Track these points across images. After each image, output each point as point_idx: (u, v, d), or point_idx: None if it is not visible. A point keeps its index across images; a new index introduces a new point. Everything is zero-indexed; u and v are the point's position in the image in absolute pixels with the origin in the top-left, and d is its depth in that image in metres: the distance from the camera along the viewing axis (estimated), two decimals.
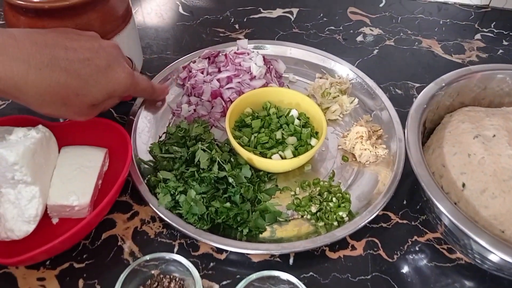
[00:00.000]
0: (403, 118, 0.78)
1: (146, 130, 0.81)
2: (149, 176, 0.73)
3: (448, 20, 1.12)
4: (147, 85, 0.73)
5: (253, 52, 0.89)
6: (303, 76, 0.91)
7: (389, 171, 0.75)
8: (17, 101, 0.57)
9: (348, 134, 0.80)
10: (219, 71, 0.87)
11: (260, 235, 0.68)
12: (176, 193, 0.69)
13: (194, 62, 0.89)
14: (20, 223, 0.62)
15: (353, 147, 0.78)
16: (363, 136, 0.77)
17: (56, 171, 0.68)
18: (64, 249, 0.63)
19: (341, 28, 1.09)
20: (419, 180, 0.61)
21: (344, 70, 0.91)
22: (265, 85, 0.85)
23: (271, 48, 0.95)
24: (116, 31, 0.76)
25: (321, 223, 0.69)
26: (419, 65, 0.99)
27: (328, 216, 0.69)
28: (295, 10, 1.14)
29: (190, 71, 0.88)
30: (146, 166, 0.75)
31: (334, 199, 0.71)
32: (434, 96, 0.72)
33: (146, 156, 0.77)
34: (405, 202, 0.74)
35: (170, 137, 0.79)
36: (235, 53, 0.89)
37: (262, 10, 1.14)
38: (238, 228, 0.68)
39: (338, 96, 0.84)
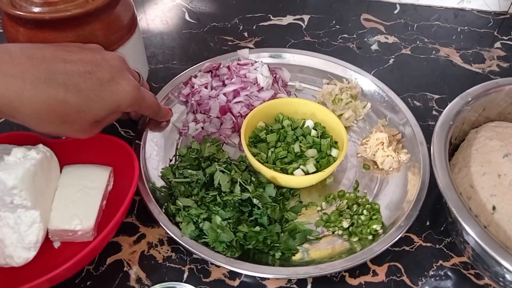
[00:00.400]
0: (424, 132, 0.77)
1: (154, 154, 0.75)
2: (165, 204, 0.68)
3: (466, 28, 1.07)
4: (153, 102, 0.68)
5: (257, 62, 0.85)
6: (310, 83, 0.88)
7: (414, 177, 0.72)
8: (13, 120, 0.52)
9: (367, 141, 0.77)
10: (224, 85, 0.82)
11: (293, 257, 0.64)
12: (200, 221, 0.65)
13: (196, 76, 0.84)
14: (20, 250, 0.59)
15: (374, 154, 0.75)
16: (384, 142, 0.74)
17: (58, 193, 0.65)
18: (67, 277, 0.59)
19: (354, 36, 1.04)
20: (447, 202, 0.57)
21: (365, 81, 0.86)
22: (274, 96, 0.81)
23: (289, 57, 0.92)
24: (121, 41, 0.71)
25: (355, 238, 0.66)
26: (437, 75, 0.95)
27: (361, 230, 0.66)
28: (306, 17, 1.09)
29: (193, 87, 0.83)
30: (160, 193, 0.70)
31: (364, 211, 0.68)
32: (460, 112, 0.68)
33: (158, 182, 0.72)
34: (428, 223, 0.70)
35: (181, 159, 0.74)
36: (238, 64, 0.85)
37: (271, 17, 1.09)
38: (270, 252, 0.64)
39: (351, 101, 0.81)
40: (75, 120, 0.55)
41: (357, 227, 0.67)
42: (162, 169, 0.73)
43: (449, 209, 0.58)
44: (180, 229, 0.64)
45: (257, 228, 0.64)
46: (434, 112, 0.86)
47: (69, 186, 0.65)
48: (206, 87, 0.82)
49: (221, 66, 0.85)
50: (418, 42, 1.02)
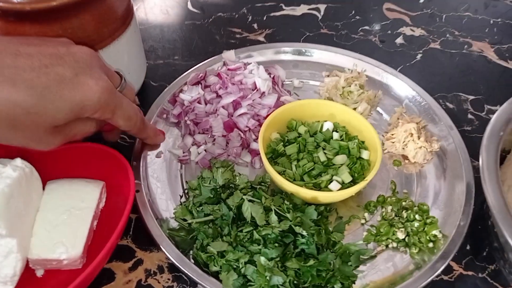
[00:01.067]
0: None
1: (159, 192, 0.63)
2: (192, 252, 0.57)
3: (499, 19, 0.95)
4: (133, 113, 0.55)
5: (250, 63, 0.74)
6: (308, 78, 0.79)
7: (453, 165, 0.65)
8: None
9: (392, 134, 0.69)
10: (218, 96, 0.71)
11: (354, 285, 0.56)
12: (241, 266, 0.54)
13: (182, 91, 0.72)
14: None
15: (403, 148, 0.68)
16: (413, 133, 0.67)
17: (40, 216, 0.57)
18: None
19: (376, 28, 0.93)
20: (499, 226, 0.51)
21: (393, 81, 0.76)
22: (278, 100, 0.71)
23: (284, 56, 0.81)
24: (115, 35, 0.62)
25: (415, 249, 0.58)
26: (471, 72, 0.84)
27: (420, 239, 0.59)
28: (322, 7, 0.97)
29: (183, 103, 0.71)
30: (180, 238, 0.59)
31: (417, 216, 0.60)
32: (511, 120, 0.59)
33: (172, 225, 0.60)
34: (468, 248, 0.62)
35: (194, 194, 0.62)
36: (228, 69, 0.73)
37: (284, 7, 0.96)
38: (327, 285, 0.55)
39: (363, 92, 0.73)
40: (26, 124, 0.45)
41: (414, 235, 0.59)
42: (174, 209, 0.61)
43: (499, 234, 0.51)
44: (210, 272, 0.54)
45: (311, 261, 0.55)
46: (469, 116, 0.77)
47: (53, 207, 0.57)
48: (199, 102, 0.70)
49: (208, 74, 0.74)
50: (447, 35, 0.91)
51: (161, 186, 0.64)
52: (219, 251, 0.55)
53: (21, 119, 0.44)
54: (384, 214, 0.62)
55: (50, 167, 0.60)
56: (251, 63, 0.74)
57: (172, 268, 0.57)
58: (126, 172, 0.58)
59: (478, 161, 0.56)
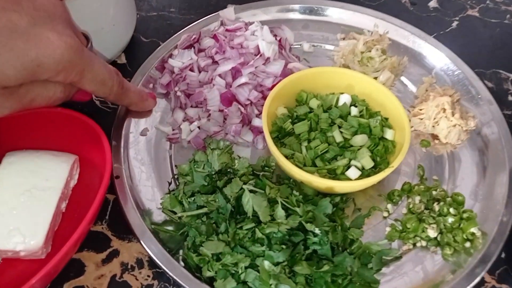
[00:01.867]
0: None
1: (144, 177, 0.53)
2: (182, 253, 0.47)
3: None
4: (107, 77, 0.46)
5: (253, 23, 0.62)
6: (320, 41, 0.67)
7: (494, 148, 0.55)
8: None
9: (420, 110, 0.58)
10: (215, 62, 0.60)
11: None
12: (240, 271, 0.45)
13: (172, 56, 0.61)
14: None
15: (434, 126, 0.57)
16: (446, 108, 0.56)
17: None
18: None
19: None
20: None
21: (432, 52, 0.64)
22: (286, 68, 0.60)
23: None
24: None
25: (449, 250, 0.49)
26: None
27: (455, 237, 0.49)
28: None
29: (172, 71, 0.60)
30: (168, 234, 0.49)
31: (452, 210, 0.50)
32: None
33: (158, 217, 0.50)
34: (503, 255, 0.51)
35: (186, 180, 0.52)
36: (227, 30, 0.62)
37: None
38: None
39: (385, 59, 0.62)
40: None
41: (447, 233, 0.49)
42: (161, 199, 0.51)
43: None
44: (203, 278, 0.45)
45: (325, 267, 0.45)
46: (510, 98, 0.65)
47: (10, 186, 0.48)
48: (192, 70, 0.59)
49: (202, 36, 0.62)
50: (487, 2, 0.79)
51: (146, 170, 0.53)
52: (214, 253, 0.46)
53: None
54: (411, 206, 0.52)
55: (9, 136, 0.52)
56: (253, 22, 0.63)
57: (153, 263, 0.48)
58: (101, 143, 0.49)
59: None
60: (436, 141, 0.58)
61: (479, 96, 0.59)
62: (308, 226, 0.47)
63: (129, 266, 0.49)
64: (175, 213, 0.50)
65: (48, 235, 0.46)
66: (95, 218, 0.49)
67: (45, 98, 0.43)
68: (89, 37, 0.47)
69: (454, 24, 0.75)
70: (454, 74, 0.62)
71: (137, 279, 0.49)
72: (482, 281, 0.50)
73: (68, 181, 0.50)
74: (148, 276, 0.49)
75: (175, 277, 0.45)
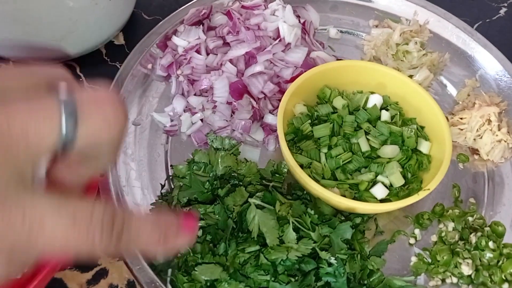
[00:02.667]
0: None
1: (134, 176, 0.45)
2: (170, 274, 0.40)
3: None
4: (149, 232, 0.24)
5: (274, 1, 0.54)
6: (350, 27, 0.58)
7: None
8: None
9: (461, 118, 0.50)
10: (225, 44, 0.51)
11: None
12: None
13: (176, 33, 0.52)
14: None
15: (475, 139, 0.49)
16: (492, 120, 0.48)
17: None
18: None
19: None
20: None
21: (479, 52, 0.55)
22: (309, 58, 0.51)
23: None
24: None
25: None
26: None
27: (492, 277, 0.41)
28: None
29: (176, 51, 0.51)
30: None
31: (491, 243, 0.43)
32: None
33: None
34: None
35: (182, 183, 0.44)
36: (243, 7, 0.53)
37: None
38: None
39: (425, 54, 0.53)
40: None
41: (484, 271, 0.42)
42: (152, 204, 0.43)
43: None
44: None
45: None
46: None
47: None
48: (198, 51, 0.50)
49: (214, 11, 0.54)
50: None
51: (137, 167, 0.46)
52: (209, 279, 0.38)
53: None
54: (443, 234, 0.44)
55: None
56: (274, 0, 0.54)
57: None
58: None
59: None
60: (476, 157, 0.50)
61: None
62: (323, 255, 0.39)
63: None
64: None
65: None
66: None
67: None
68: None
69: (502, 11, 0.65)
70: (503, 80, 0.53)
71: None
72: None
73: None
74: None
75: None
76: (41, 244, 0.21)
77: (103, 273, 0.43)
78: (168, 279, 0.40)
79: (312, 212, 0.41)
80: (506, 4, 0.65)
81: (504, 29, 0.62)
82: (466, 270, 0.42)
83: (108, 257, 0.44)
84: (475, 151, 0.50)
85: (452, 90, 0.54)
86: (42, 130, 0.20)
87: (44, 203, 0.21)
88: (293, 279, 0.38)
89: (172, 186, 0.46)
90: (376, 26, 0.57)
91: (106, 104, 0.22)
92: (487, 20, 0.63)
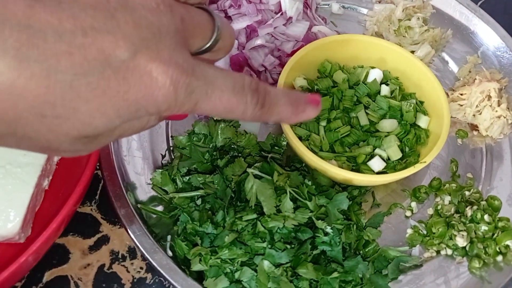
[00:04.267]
0: None
1: (135, 147, 0.46)
2: (170, 240, 0.41)
3: None
4: (236, 101, 0.28)
5: None
6: (352, 2, 0.58)
7: None
8: None
9: (461, 94, 0.50)
10: (227, 17, 0.51)
11: None
12: (235, 268, 0.39)
13: None
14: None
15: (475, 115, 0.49)
16: (492, 96, 0.48)
17: None
18: None
19: None
20: None
21: (481, 28, 0.55)
22: (310, 32, 0.52)
23: None
24: None
25: (477, 263, 0.42)
26: None
27: (487, 249, 0.42)
28: None
29: None
30: (156, 215, 0.43)
31: (486, 217, 0.43)
32: None
33: (147, 194, 0.44)
34: None
35: (181, 154, 0.45)
36: None
37: None
38: None
39: (427, 30, 0.53)
40: (38, 130, 0.24)
41: (478, 244, 0.42)
42: (152, 174, 0.44)
43: None
44: (188, 271, 0.39)
45: (334, 273, 0.39)
46: None
47: None
48: None
49: None
50: None
51: (138, 138, 0.47)
52: (212, 249, 0.39)
53: (31, 122, 0.24)
54: (439, 207, 0.45)
55: None
56: None
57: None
58: None
59: None
60: (475, 133, 0.50)
61: None
62: (319, 224, 0.40)
63: (119, 256, 0.44)
64: (166, 192, 0.43)
65: (26, 218, 0.40)
66: (82, 197, 0.41)
67: (136, 129, 0.29)
68: (213, 13, 0.29)
69: None
70: (504, 56, 0.53)
71: (128, 271, 0.43)
72: None
73: (49, 157, 0.43)
74: (141, 268, 0.43)
75: (159, 268, 0.39)
76: (204, 110, 0.26)
77: (104, 239, 0.44)
78: (168, 244, 0.41)
79: (310, 183, 0.42)
80: None
81: (508, 6, 0.62)
82: (461, 242, 0.42)
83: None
84: (474, 127, 0.50)
85: (453, 66, 0.54)
86: (200, 29, 0.27)
87: (213, 71, 0.26)
88: (289, 247, 0.39)
89: (173, 157, 0.46)
90: (379, 2, 0.57)
91: (232, 39, 0.29)
92: None
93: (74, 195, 0.38)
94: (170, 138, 0.47)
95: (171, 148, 0.47)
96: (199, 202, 0.42)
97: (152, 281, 0.43)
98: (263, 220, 0.40)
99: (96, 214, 0.45)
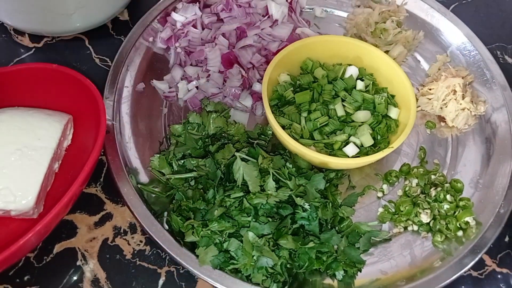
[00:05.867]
0: None
1: (136, 134, 0.51)
2: (166, 216, 0.46)
3: None
4: None
5: None
6: (334, 7, 0.63)
7: (501, 136, 0.53)
8: None
9: (430, 89, 0.55)
10: (220, 20, 0.57)
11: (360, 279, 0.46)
12: (224, 239, 0.44)
13: (175, 10, 0.58)
14: None
15: (442, 108, 0.55)
16: (457, 90, 0.53)
17: None
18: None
19: None
20: None
21: (450, 29, 0.61)
22: (294, 32, 0.57)
23: None
24: None
25: (440, 237, 0.47)
26: None
27: (448, 225, 0.47)
28: None
29: (174, 26, 0.57)
30: (153, 195, 0.48)
31: (448, 197, 0.48)
32: None
33: (146, 177, 0.49)
34: (507, 240, 0.50)
35: (177, 141, 0.50)
36: None
37: None
38: (327, 272, 0.45)
39: (400, 32, 0.59)
40: None
41: (441, 220, 0.48)
42: (151, 158, 0.50)
43: None
44: (182, 242, 0.44)
45: (310, 244, 0.44)
46: None
47: (0, 144, 0.46)
48: (195, 26, 0.56)
49: None
50: None
51: (139, 127, 0.52)
52: (203, 222, 0.44)
53: None
54: (407, 188, 0.50)
55: (6, 92, 0.49)
56: None
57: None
58: (96, 103, 0.47)
59: None
60: (443, 124, 0.56)
61: (494, 81, 0.56)
62: (298, 201, 0.46)
63: (121, 231, 0.48)
64: (163, 174, 0.49)
65: (39, 195, 0.45)
66: (88, 179, 0.47)
67: None
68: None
69: None
70: (471, 55, 0.58)
71: (129, 244, 0.48)
72: (483, 265, 0.49)
73: (61, 141, 0.48)
74: (141, 241, 0.48)
75: (157, 240, 0.44)
76: None
77: (108, 216, 0.49)
78: (165, 219, 0.47)
79: (291, 166, 0.48)
80: None
81: (478, 9, 0.68)
82: (425, 218, 0.48)
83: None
84: (442, 119, 0.56)
85: (425, 65, 0.60)
86: None
87: None
88: (271, 220, 0.44)
89: (169, 143, 0.52)
90: (358, 6, 0.63)
91: None
92: (463, 2, 0.68)
93: (81, 177, 0.43)
94: (167, 127, 0.53)
95: (168, 136, 0.52)
96: (192, 183, 0.48)
97: (150, 252, 0.47)
98: (248, 198, 0.45)
99: (101, 194, 0.50)
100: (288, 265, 0.44)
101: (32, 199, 0.44)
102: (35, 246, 0.46)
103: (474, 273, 0.48)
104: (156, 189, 0.48)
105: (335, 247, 0.46)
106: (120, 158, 0.49)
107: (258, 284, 0.43)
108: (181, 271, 0.46)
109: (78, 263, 0.46)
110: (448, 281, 0.44)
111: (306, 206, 0.45)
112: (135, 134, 0.51)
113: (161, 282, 0.46)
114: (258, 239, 0.44)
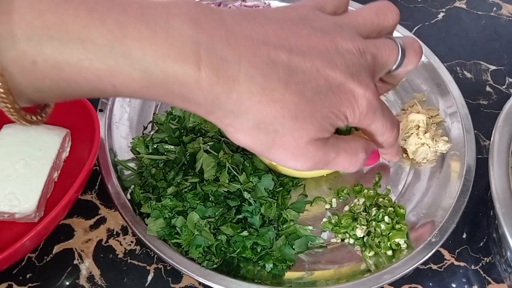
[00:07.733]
0: (472, 114, 0.60)
1: (126, 117, 0.59)
2: (132, 187, 0.54)
3: None
4: (389, 128, 0.40)
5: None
6: None
7: (454, 174, 0.56)
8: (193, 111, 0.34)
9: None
10: None
11: (288, 273, 0.50)
12: (173, 215, 0.50)
13: None
14: None
15: (405, 140, 0.59)
16: (420, 126, 0.58)
17: None
18: (2, 268, 0.48)
19: None
20: (498, 213, 0.46)
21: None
22: None
23: None
24: None
25: (369, 253, 0.51)
26: (496, 39, 0.75)
27: (379, 243, 0.51)
28: None
29: None
30: (127, 170, 0.55)
31: (386, 218, 0.52)
32: None
33: (127, 155, 0.57)
34: (465, 236, 0.55)
35: (159, 129, 0.58)
36: (244, 6, 0.66)
37: None
38: (259, 262, 0.50)
39: None
40: (288, 133, 0.36)
41: (375, 238, 0.52)
42: (132, 138, 0.57)
43: (499, 225, 0.46)
44: (146, 223, 0.50)
45: (245, 233, 0.50)
46: (488, 88, 0.69)
47: (7, 154, 0.52)
48: None
49: (223, 5, 0.67)
50: None
51: (130, 111, 0.60)
52: (159, 196, 0.51)
53: (286, 127, 0.35)
54: (352, 205, 0.55)
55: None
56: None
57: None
58: (92, 119, 0.53)
59: (490, 140, 0.51)
60: (404, 155, 0.59)
61: (461, 124, 0.59)
62: (245, 195, 0.51)
63: (114, 232, 0.54)
64: (139, 153, 0.56)
65: (40, 201, 0.51)
66: (83, 187, 0.52)
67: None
68: (400, 43, 0.39)
69: (440, 15, 0.78)
70: (425, 64, 0.65)
71: (121, 244, 0.53)
72: (442, 259, 0.54)
73: (60, 152, 0.54)
74: (131, 242, 0.54)
75: (144, 241, 0.50)
76: (371, 126, 0.37)
77: (102, 220, 0.55)
78: (129, 191, 0.54)
79: (248, 164, 0.54)
80: (444, 10, 0.79)
81: (441, 29, 0.75)
82: (359, 233, 0.52)
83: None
84: (404, 150, 0.60)
85: (401, 100, 0.64)
86: (386, 58, 0.35)
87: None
88: (216, 205, 0.50)
89: (152, 130, 0.59)
90: None
91: (418, 53, 0.37)
92: (426, 23, 0.76)
93: (76, 185, 0.48)
94: (153, 115, 0.60)
95: (153, 123, 0.60)
96: (161, 165, 0.55)
97: (140, 252, 0.53)
98: (202, 184, 0.52)
99: (96, 200, 0.56)
100: (222, 248, 0.50)
101: (34, 203, 0.50)
102: (37, 245, 0.52)
103: (434, 266, 0.53)
104: (130, 166, 0.56)
105: (271, 242, 0.51)
106: (106, 133, 0.56)
107: (193, 260, 0.49)
108: (168, 268, 0.52)
109: (75, 262, 0.52)
110: None
111: (251, 201, 0.51)
112: (125, 117, 0.59)
113: (150, 277, 0.51)
114: (201, 220, 0.50)
